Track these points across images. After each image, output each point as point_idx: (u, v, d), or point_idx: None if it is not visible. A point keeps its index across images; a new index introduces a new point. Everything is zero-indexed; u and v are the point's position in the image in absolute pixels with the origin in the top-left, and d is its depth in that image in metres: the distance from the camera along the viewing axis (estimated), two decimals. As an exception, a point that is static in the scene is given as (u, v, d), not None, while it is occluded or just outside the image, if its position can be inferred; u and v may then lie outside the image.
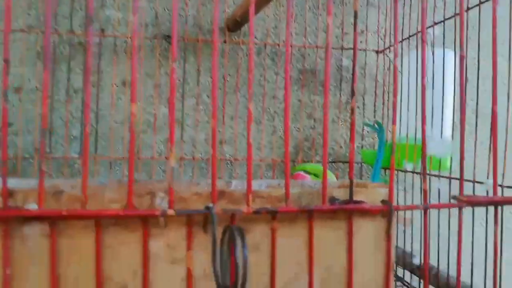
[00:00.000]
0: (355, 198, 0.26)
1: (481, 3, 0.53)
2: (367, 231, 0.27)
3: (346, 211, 0.26)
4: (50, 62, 0.63)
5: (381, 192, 0.27)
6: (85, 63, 0.63)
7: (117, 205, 0.24)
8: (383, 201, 0.27)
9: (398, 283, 0.69)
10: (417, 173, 0.61)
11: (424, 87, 0.25)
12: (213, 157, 0.23)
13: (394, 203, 0.26)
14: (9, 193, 0.23)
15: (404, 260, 0.66)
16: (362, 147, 0.75)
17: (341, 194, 0.27)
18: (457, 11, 0.56)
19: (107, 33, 0.65)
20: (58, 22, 0.65)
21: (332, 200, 0.26)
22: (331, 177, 0.43)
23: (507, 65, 0.72)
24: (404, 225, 0.74)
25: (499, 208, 0.29)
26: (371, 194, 0.27)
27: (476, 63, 0.62)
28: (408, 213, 0.73)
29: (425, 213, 0.27)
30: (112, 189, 0.24)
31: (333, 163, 0.73)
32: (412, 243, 0.67)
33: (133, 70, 0.22)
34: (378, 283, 0.27)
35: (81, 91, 0.64)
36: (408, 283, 0.67)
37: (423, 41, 0.27)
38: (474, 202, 0.28)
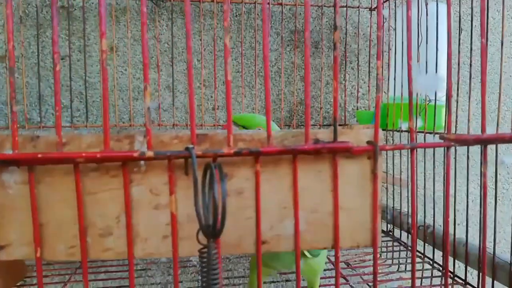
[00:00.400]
0: (340, 139, 0.26)
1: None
2: (352, 173, 0.26)
3: (331, 151, 0.25)
4: (33, 28, 0.61)
5: (367, 133, 0.26)
6: (68, 29, 0.62)
7: (95, 149, 0.23)
8: (368, 142, 0.26)
9: (395, 244, 0.69)
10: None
11: (410, 18, 0.24)
12: (191, 95, 0.22)
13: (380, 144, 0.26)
14: (-15, 140, 0.23)
15: (400, 220, 0.66)
16: (357, 109, 0.74)
17: (326, 136, 0.26)
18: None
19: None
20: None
21: (316, 141, 0.26)
22: (275, 127, 0.40)
23: (501, 20, 0.70)
24: (400, 186, 0.74)
25: (488, 147, 0.28)
26: (357, 135, 0.26)
27: (470, 19, 0.60)
28: (404, 175, 0.73)
29: (412, 152, 0.27)
30: (90, 135, 0.24)
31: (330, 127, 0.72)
32: (408, 205, 0.67)
33: None
34: (366, 225, 0.27)
35: (68, 57, 0.63)
36: (405, 243, 0.67)
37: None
38: (461, 141, 0.27)
